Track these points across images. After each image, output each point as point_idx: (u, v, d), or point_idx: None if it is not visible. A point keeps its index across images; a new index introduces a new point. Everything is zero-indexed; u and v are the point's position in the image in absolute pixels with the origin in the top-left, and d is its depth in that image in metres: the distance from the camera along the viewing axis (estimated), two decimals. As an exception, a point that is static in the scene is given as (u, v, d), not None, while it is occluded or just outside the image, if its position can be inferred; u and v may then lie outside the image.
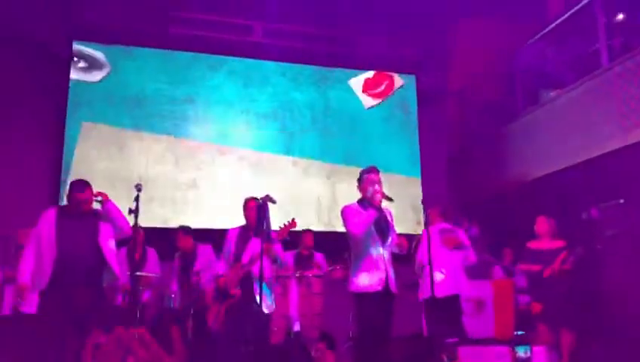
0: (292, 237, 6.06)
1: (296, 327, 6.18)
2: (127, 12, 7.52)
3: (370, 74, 8.41)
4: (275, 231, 4.68)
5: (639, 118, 5.52)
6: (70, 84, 7.31)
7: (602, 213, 6.08)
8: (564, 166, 6.52)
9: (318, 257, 6.57)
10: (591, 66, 6.40)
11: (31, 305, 4.94)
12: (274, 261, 4.78)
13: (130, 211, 4.11)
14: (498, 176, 7.65)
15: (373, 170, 4.31)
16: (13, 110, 7.08)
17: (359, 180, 4.33)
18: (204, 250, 6.11)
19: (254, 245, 4.62)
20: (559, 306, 5.27)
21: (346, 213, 4.22)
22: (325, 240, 6.81)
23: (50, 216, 4.10)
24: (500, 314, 6.11)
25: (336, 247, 6.61)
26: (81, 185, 4.11)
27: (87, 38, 7.48)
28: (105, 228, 4.13)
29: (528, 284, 5.75)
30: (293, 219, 4.81)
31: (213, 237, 6.39)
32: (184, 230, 6.14)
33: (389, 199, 4.23)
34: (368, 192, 4.22)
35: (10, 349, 5.03)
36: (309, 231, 6.66)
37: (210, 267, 5.97)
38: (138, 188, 4.25)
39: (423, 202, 4.97)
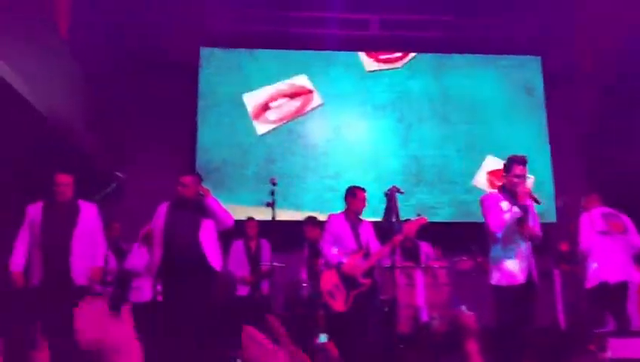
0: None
1: (424, 317, 6.17)
2: (247, 16, 7.90)
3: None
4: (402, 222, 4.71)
5: None
6: (199, 89, 7.82)
7: None
8: None
9: (424, 247, 6.46)
10: None
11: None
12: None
13: (268, 204, 4.33)
14: (636, 158, 7.10)
15: (522, 161, 4.08)
16: (150, 119, 7.69)
17: (506, 167, 4.17)
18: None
19: (368, 233, 4.71)
20: None
21: (486, 204, 4.09)
22: (454, 231, 6.71)
23: (162, 209, 4.46)
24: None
25: (439, 238, 6.51)
26: (187, 173, 4.51)
27: (213, 43, 7.94)
28: (206, 222, 4.39)
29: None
30: (420, 215, 4.82)
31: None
32: (312, 221, 6.36)
33: (537, 201, 4.05)
34: (514, 185, 4.07)
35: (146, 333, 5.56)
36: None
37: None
38: (273, 182, 4.47)
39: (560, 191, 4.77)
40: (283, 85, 7.93)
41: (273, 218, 4.32)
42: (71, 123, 5.80)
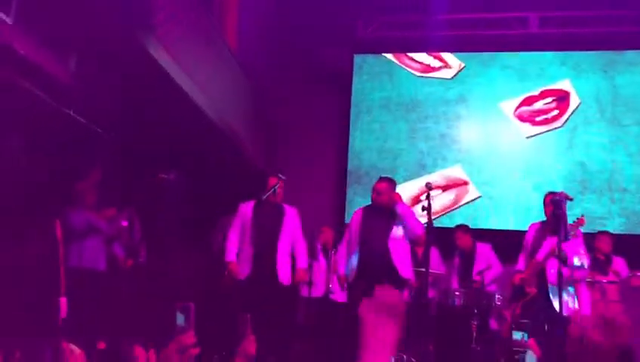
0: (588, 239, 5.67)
1: (591, 336, 5.69)
2: (397, 21, 7.95)
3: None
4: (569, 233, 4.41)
5: None
6: (353, 95, 7.98)
7: None
8: None
9: (618, 262, 5.90)
10: None
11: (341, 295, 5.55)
12: (563, 262, 4.45)
13: (424, 208, 4.28)
14: None
15: None
16: (307, 125, 8.03)
17: None
18: (483, 249, 6.08)
19: (550, 243, 4.43)
20: None
21: None
22: (626, 244, 6.12)
23: (357, 214, 4.60)
24: None
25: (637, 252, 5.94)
26: (380, 179, 4.57)
27: (365, 50, 8.07)
28: (396, 229, 4.41)
29: None
30: (581, 216, 4.51)
31: (492, 236, 6.36)
32: (463, 229, 6.20)
33: None
34: None
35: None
36: (605, 233, 6.06)
37: (490, 266, 5.93)
38: (429, 186, 4.42)
39: None
40: (436, 177, 7.50)
41: (430, 223, 4.25)
42: (237, 129, 6.25)
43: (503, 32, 7.64)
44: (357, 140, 7.87)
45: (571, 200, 4.18)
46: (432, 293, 6.18)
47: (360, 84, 7.98)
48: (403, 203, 4.51)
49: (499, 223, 7.18)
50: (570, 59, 7.51)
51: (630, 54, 7.36)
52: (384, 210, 4.46)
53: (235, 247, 4.69)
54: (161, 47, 4.19)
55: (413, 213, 4.49)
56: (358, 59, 8.05)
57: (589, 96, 7.39)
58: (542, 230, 4.63)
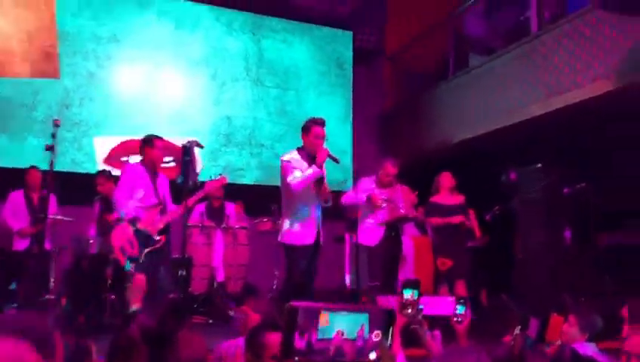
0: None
1: (220, 277, 6.15)
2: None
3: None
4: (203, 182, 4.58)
5: (559, 85, 5.74)
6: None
7: (520, 176, 6.31)
8: (487, 130, 6.71)
9: (230, 208, 6.43)
10: (520, 34, 6.54)
11: None
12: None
13: (47, 148, 3.88)
14: (424, 138, 7.80)
15: (321, 122, 4.23)
16: None
17: (305, 129, 4.25)
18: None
19: (164, 187, 4.52)
20: (464, 263, 5.49)
21: (286, 165, 4.15)
22: (260, 194, 6.75)
23: None
24: (420, 270, 6.36)
25: (246, 199, 6.59)
26: None
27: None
28: None
29: (433, 240, 5.89)
30: (222, 175, 4.72)
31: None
32: (105, 175, 5.93)
33: (335, 160, 4.20)
34: (313, 146, 4.16)
35: None
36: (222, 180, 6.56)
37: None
38: (56, 123, 4.01)
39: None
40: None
41: (51, 164, 3.86)
42: None
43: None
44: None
45: (202, 147, 4.35)
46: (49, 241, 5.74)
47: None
48: None
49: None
50: (224, 16, 7.81)
51: (274, 21, 8.04)
52: None
53: None
54: None
55: None
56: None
57: (238, 54, 7.85)
58: (149, 172, 4.53)
